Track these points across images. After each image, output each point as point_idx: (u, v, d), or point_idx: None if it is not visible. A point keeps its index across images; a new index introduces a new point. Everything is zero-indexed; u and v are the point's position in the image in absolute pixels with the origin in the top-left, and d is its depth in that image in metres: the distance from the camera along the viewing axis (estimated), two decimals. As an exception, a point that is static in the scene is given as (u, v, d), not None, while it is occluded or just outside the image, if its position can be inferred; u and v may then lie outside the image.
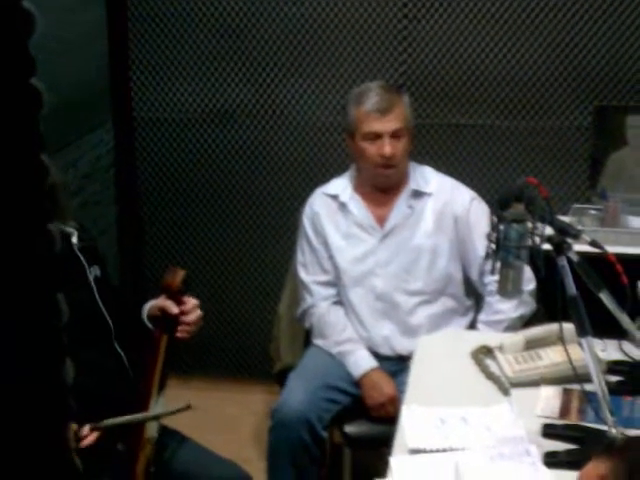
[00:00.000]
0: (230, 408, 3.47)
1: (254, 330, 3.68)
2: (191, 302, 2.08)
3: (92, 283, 2.09)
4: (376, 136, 2.52)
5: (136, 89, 3.51)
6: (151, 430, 2.04)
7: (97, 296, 2.09)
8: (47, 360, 0.73)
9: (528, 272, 2.33)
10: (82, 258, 2.10)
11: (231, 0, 3.34)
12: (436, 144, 3.32)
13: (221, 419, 3.35)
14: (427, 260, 2.60)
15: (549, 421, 1.88)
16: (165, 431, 2.15)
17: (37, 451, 0.74)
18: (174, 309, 2.03)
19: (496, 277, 1.89)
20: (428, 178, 2.65)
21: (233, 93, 3.45)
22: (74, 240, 2.10)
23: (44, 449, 0.74)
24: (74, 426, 1.88)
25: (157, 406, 2.03)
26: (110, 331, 2.09)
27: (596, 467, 1.23)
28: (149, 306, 2.15)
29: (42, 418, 0.74)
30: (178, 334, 2.06)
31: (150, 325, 2.13)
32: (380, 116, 2.51)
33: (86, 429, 1.91)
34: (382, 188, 2.63)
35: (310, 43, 3.33)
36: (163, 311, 2.05)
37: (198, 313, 2.09)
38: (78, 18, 3.12)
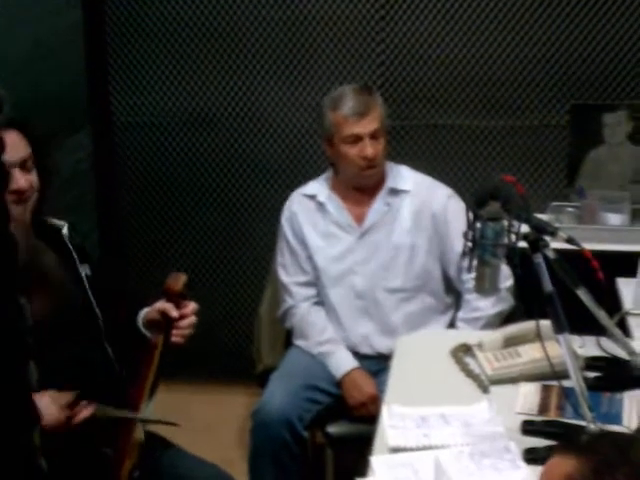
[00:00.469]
0: (212, 411, 3.47)
1: (236, 332, 3.68)
2: (191, 306, 2.08)
3: (84, 278, 2.09)
4: (357, 138, 2.54)
5: (115, 93, 3.50)
6: (139, 433, 2.04)
7: (89, 291, 2.08)
8: (10, 362, 0.72)
9: (505, 269, 2.35)
10: (73, 251, 2.09)
11: (209, 4, 3.35)
12: (415, 145, 3.34)
13: (203, 422, 3.34)
14: (405, 257, 2.61)
15: (528, 418, 1.89)
16: (149, 435, 2.14)
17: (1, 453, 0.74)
18: (174, 312, 2.03)
19: (473, 275, 1.90)
20: (405, 176, 2.67)
21: (212, 96, 3.45)
22: (65, 232, 2.09)
23: (8, 451, 0.74)
24: (73, 395, 1.88)
25: (147, 410, 2.03)
26: (100, 328, 2.08)
27: (561, 464, 1.18)
28: (145, 311, 2.14)
29: (5, 420, 0.73)
30: (173, 338, 2.06)
31: (144, 330, 2.13)
32: (358, 120, 2.53)
33: (83, 402, 1.91)
34: (360, 188, 2.64)
35: (289, 46, 3.33)
36: (163, 314, 2.05)
37: (192, 319, 2.08)
38: (56, 22, 3.11)
